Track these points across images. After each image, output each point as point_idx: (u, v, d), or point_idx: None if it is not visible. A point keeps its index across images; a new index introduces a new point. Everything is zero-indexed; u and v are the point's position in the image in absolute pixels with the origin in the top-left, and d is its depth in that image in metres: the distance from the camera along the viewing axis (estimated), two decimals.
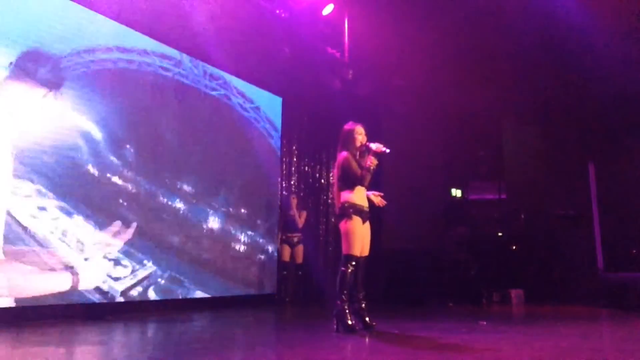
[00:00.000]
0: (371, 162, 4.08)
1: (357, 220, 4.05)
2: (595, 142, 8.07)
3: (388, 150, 4.11)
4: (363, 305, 4.14)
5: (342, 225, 4.07)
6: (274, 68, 7.49)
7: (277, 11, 6.67)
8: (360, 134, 4.25)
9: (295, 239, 7.22)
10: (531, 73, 7.85)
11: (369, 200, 4.27)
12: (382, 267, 7.96)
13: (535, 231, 8.30)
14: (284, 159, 8.12)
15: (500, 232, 8.85)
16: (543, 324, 5.05)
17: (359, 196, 4.14)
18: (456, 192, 9.55)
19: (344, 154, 4.17)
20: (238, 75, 7.32)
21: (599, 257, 7.80)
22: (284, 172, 8.09)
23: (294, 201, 7.37)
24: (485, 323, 4.85)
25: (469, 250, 8.31)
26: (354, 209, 4.07)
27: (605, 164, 8.03)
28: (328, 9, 7.00)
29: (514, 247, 8.41)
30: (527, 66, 7.74)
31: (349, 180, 4.12)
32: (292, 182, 8.16)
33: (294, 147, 8.31)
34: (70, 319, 4.76)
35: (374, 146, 4.12)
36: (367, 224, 4.19)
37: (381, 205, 4.35)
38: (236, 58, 6.92)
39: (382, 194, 4.37)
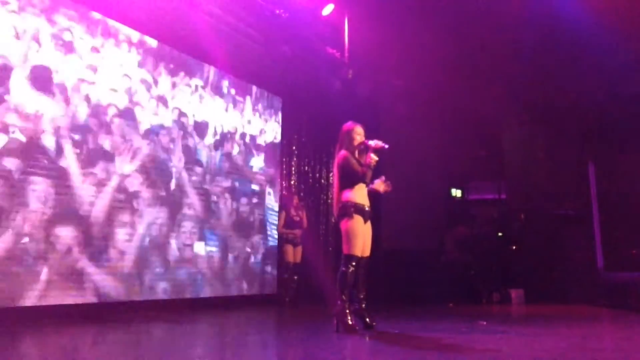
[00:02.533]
0: (371, 159, 4.07)
1: (358, 219, 4.03)
2: (595, 142, 8.06)
3: (387, 146, 4.09)
4: (364, 305, 4.12)
5: (343, 225, 4.04)
6: (274, 68, 7.48)
7: (277, 11, 6.66)
8: (359, 134, 4.23)
9: (297, 239, 7.07)
10: (531, 73, 7.85)
11: (373, 193, 4.23)
12: (382, 267, 7.96)
13: (535, 231, 8.30)
14: (284, 159, 8.12)
15: (500, 232, 8.85)
16: (543, 324, 5.05)
17: (360, 195, 4.12)
18: (456, 192, 9.55)
19: (343, 152, 4.16)
20: (238, 76, 7.32)
21: (599, 257, 7.80)
22: (284, 172, 8.09)
23: (295, 201, 7.32)
24: (485, 323, 4.85)
25: (469, 250, 8.32)
26: (355, 208, 4.04)
27: (605, 164, 8.02)
28: (328, 9, 7.00)
29: (514, 247, 8.41)
30: (527, 66, 7.74)
31: (349, 179, 4.11)
32: (292, 182, 8.16)
33: (294, 147, 8.31)
34: (70, 319, 4.76)
35: (372, 143, 4.11)
36: (369, 223, 4.16)
37: (388, 189, 4.29)
38: (236, 58, 6.92)
39: (383, 178, 4.30)
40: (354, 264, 3.98)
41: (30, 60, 4.88)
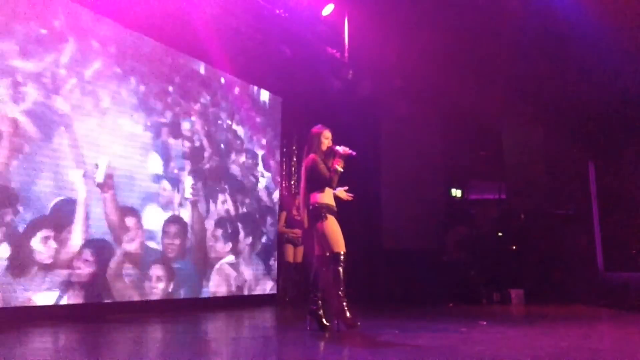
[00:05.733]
0: (338, 164, 4.16)
1: (332, 218, 4.12)
2: (595, 142, 8.06)
3: (354, 154, 4.20)
4: (320, 304, 4.13)
5: (320, 227, 4.12)
6: (274, 68, 7.49)
7: (277, 11, 6.66)
8: (327, 138, 4.32)
9: (299, 239, 7.05)
10: (531, 73, 7.85)
11: (336, 198, 4.31)
12: (382, 267, 7.97)
13: (535, 231, 8.30)
14: (284, 159, 8.12)
15: (500, 232, 8.85)
16: (543, 324, 5.05)
17: (329, 196, 4.21)
18: (456, 192, 9.54)
19: (312, 156, 4.24)
20: (238, 75, 7.32)
21: (599, 257, 7.80)
22: (284, 172, 8.09)
23: (297, 201, 7.26)
24: (485, 323, 4.85)
25: (469, 250, 8.31)
26: (327, 209, 4.14)
27: (605, 164, 8.03)
28: (328, 9, 7.00)
29: (514, 247, 8.41)
30: (527, 66, 7.74)
31: (317, 183, 4.19)
32: (292, 182, 8.16)
33: (294, 147, 8.31)
34: (69, 318, 4.77)
35: (340, 149, 4.21)
36: None
37: (349, 199, 4.36)
38: (236, 58, 6.92)
39: (346, 188, 4.37)
40: (342, 258, 4.04)
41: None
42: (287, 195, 7.64)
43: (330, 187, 4.19)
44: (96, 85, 5.46)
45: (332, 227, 4.09)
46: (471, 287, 7.78)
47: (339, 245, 4.07)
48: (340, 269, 4.01)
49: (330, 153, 4.27)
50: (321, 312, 4.13)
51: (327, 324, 4.10)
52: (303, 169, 4.31)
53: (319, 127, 4.39)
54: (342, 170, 4.17)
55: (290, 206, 7.12)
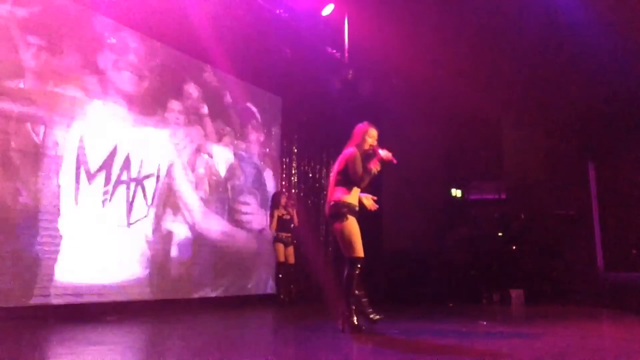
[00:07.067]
0: (375, 166, 4.00)
1: (352, 220, 3.98)
2: (595, 142, 8.05)
3: (395, 162, 4.04)
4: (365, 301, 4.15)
5: (338, 227, 3.98)
6: (274, 68, 7.48)
7: (277, 11, 6.66)
8: (371, 137, 4.14)
9: (289, 239, 6.92)
10: (531, 73, 7.85)
11: (360, 202, 4.18)
12: (383, 267, 7.97)
13: (535, 231, 8.29)
14: (284, 159, 8.11)
15: (500, 232, 8.84)
16: (543, 324, 5.05)
17: (354, 195, 4.06)
18: (456, 192, 9.53)
19: (353, 149, 4.05)
20: (238, 76, 7.32)
21: (599, 257, 7.79)
22: (284, 172, 8.09)
23: (283, 200, 7.06)
24: (485, 323, 4.85)
25: (469, 250, 8.31)
26: (348, 209, 3.98)
27: (605, 164, 8.02)
28: (328, 9, 7.00)
29: (514, 247, 8.40)
30: (527, 66, 7.73)
31: (347, 177, 4.01)
32: (292, 182, 8.15)
33: (294, 147, 8.31)
34: (69, 318, 4.77)
35: (382, 153, 4.04)
36: None
37: (372, 209, 4.27)
38: (236, 58, 6.92)
39: (375, 198, 4.29)
40: (359, 265, 3.95)
41: None
42: (275, 194, 7.49)
43: (359, 186, 4.02)
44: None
45: (352, 229, 3.94)
46: (471, 287, 7.78)
47: (357, 250, 3.94)
48: (355, 274, 3.92)
49: (372, 154, 4.08)
50: (361, 310, 4.07)
51: (378, 317, 4.11)
52: (338, 161, 4.13)
53: (366, 125, 4.17)
54: (376, 173, 3.99)
55: (278, 205, 6.98)
